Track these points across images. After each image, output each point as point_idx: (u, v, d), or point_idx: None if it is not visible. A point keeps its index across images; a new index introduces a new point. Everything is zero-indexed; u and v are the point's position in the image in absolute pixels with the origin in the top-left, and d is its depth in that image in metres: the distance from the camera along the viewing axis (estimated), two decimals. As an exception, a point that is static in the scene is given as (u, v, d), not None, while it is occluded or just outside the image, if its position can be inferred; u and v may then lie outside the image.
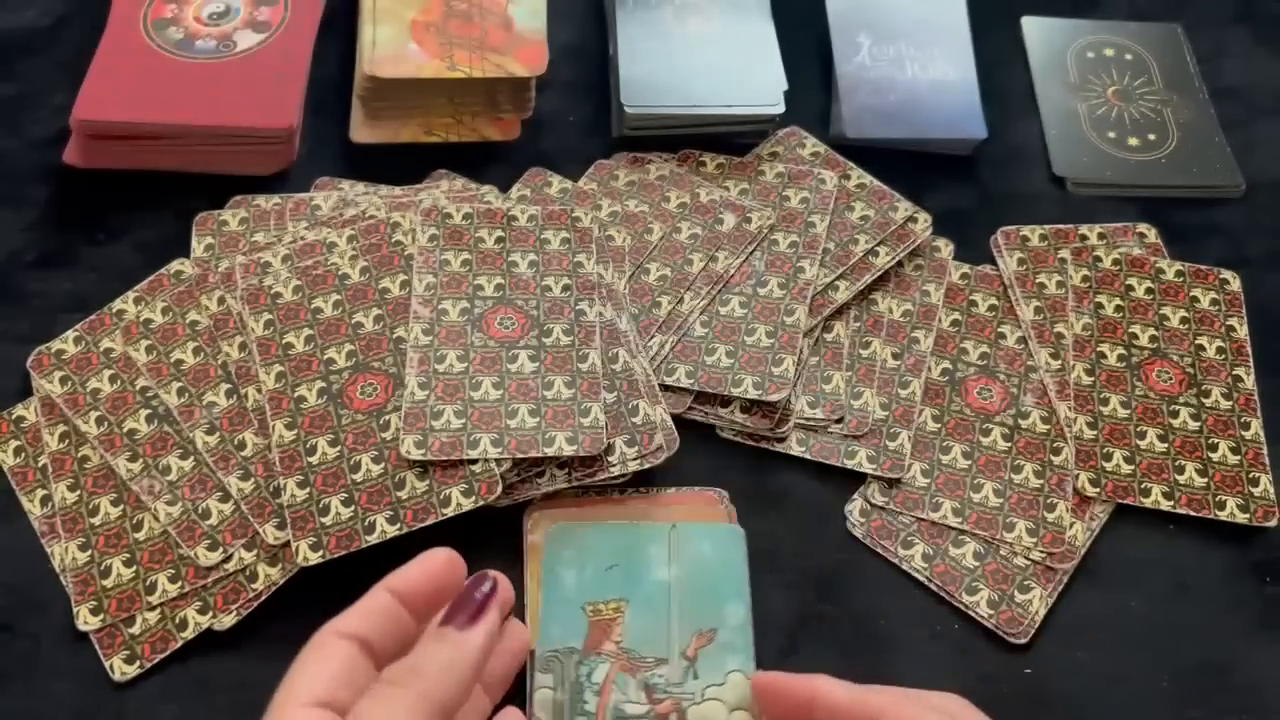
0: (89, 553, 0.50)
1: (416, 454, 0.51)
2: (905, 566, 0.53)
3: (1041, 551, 0.53)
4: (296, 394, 0.53)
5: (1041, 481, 0.55)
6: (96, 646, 0.48)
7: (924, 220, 0.63)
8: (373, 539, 0.49)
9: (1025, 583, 0.52)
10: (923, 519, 0.54)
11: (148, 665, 0.48)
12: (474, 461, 0.51)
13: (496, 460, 0.51)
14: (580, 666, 0.48)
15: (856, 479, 0.55)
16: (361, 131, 0.65)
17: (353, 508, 0.50)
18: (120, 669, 0.48)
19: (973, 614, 0.51)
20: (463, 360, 0.54)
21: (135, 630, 0.49)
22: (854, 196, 0.64)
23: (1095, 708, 0.50)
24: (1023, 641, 0.51)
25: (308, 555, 0.49)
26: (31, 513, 0.52)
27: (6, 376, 0.55)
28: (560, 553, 0.51)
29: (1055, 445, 0.56)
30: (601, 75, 0.70)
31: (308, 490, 0.50)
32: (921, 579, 0.52)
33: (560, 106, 0.68)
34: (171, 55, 0.63)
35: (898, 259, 0.61)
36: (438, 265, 0.57)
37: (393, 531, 0.49)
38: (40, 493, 0.52)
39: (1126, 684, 0.51)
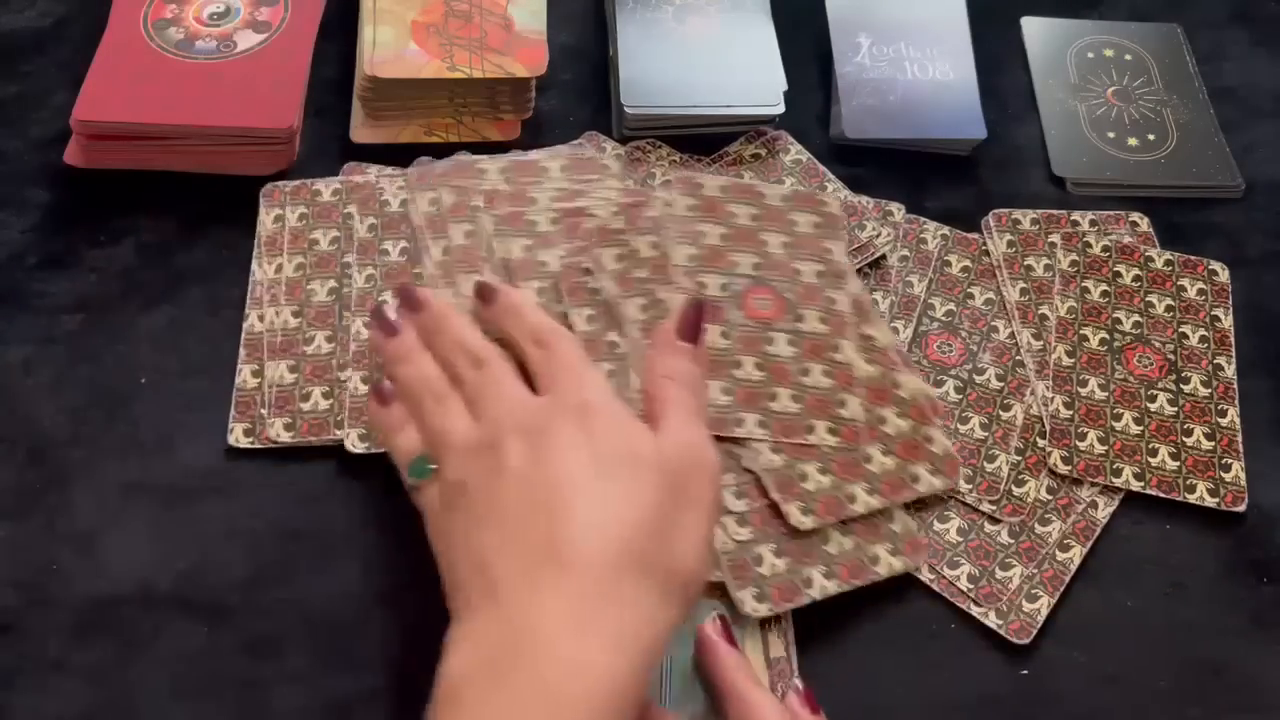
0: None
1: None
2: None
3: (976, 497, 0.54)
4: None
5: (987, 434, 0.56)
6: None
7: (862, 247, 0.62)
8: None
9: (1033, 592, 0.52)
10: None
11: None
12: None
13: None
14: None
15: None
16: (362, 132, 0.65)
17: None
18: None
19: (979, 618, 0.51)
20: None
21: None
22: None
23: (1093, 707, 0.50)
24: (1025, 642, 0.51)
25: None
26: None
27: (8, 377, 0.56)
28: None
29: (1006, 402, 0.57)
30: (601, 76, 0.70)
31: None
32: (926, 582, 0.52)
33: (560, 107, 0.68)
34: (172, 56, 0.63)
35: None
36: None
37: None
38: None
39: (1124, 684, 0.51)
